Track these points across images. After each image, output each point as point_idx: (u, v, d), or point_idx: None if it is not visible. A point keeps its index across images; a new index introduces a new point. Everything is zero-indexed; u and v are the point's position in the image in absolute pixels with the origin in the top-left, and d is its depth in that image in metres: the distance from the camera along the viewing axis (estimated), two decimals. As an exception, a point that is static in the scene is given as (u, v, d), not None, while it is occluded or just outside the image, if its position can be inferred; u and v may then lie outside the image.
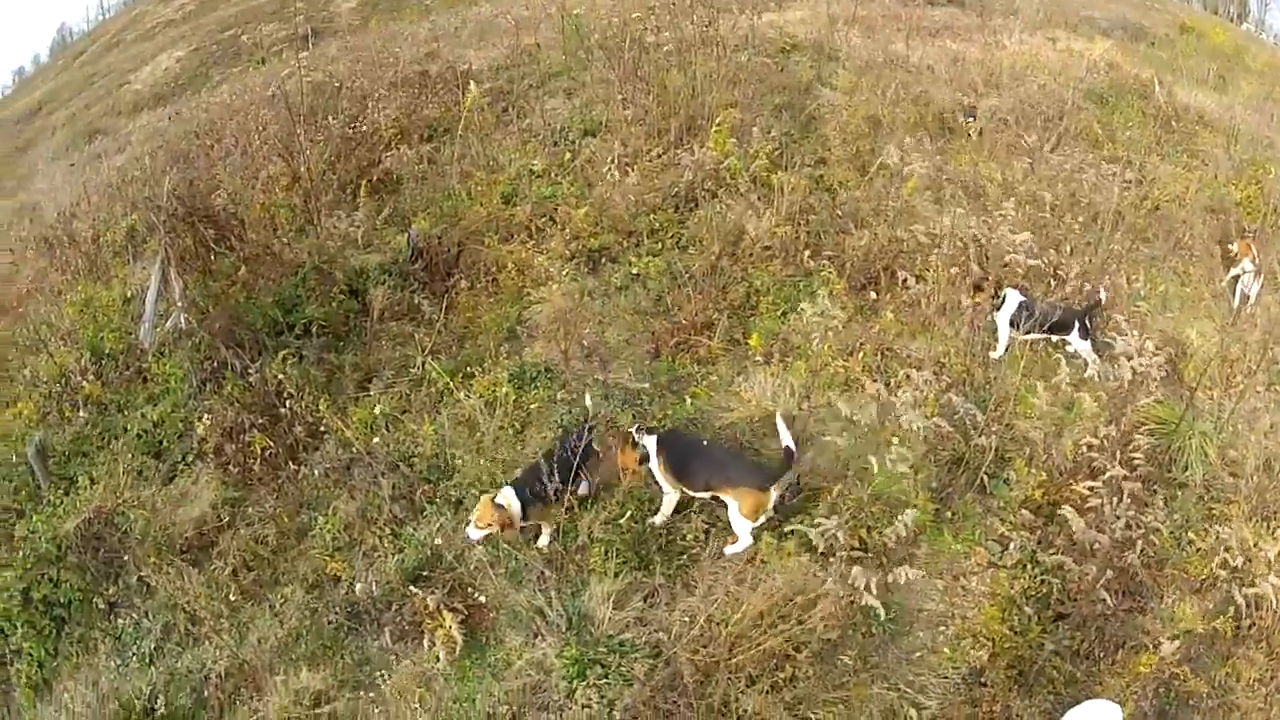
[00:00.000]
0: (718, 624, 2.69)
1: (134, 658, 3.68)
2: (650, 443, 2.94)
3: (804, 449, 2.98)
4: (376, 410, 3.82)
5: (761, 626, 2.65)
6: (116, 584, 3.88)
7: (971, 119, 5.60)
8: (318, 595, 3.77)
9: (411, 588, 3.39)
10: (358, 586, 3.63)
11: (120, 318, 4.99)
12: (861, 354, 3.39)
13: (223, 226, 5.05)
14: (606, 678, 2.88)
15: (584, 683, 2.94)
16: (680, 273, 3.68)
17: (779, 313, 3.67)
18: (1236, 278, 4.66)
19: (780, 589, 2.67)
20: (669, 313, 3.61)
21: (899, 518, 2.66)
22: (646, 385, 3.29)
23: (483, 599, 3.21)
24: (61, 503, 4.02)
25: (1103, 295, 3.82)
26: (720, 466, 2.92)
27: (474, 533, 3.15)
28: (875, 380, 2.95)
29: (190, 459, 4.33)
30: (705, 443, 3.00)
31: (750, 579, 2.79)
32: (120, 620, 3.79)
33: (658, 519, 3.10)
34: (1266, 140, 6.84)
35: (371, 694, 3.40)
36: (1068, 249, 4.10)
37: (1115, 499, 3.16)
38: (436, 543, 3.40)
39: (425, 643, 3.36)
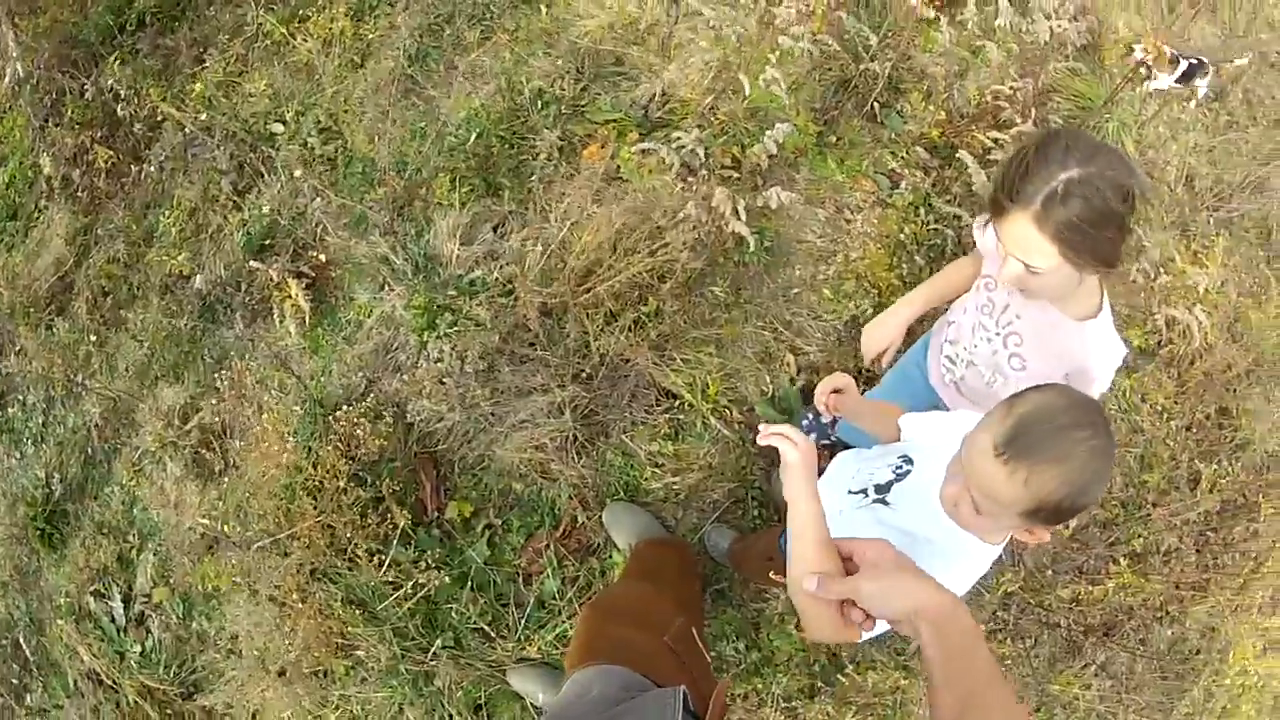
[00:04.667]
0: (571, 252, 2.42)
1: (28, 443, 3.42)
2: None
3: (671, 58, 2.61)
4: (208, 82, 3.36)
5: (619, 252, 2.39)
6: (-1, 370, 3.56)
7: None
8: (172, 299, 3.46)
9: (253, 263, 3.07)
10: (198, 279, 3.32)
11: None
12: (741, -42, 2.97)
13: (48, -47, 4.36)
14: (456, 324, 2.64)
15: (434, 333, 2.69)
16: (541, -120, 3.16)
17: (649, -87, 3.19)
18: None
19: (639, 207, 2.38)
20: (525, -85, 3.13)
21: (768, 133, 2.34)
22: (499, -8, 2.88)
23: (323, 258, 2.90)
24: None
25: None
26: None
27: None
28: (756, -16, 2.56)
29: (43, 204, 3.90)
30: None
31: (608, 198, 2.50)
32: (10, 410, 3.50)
33: None
34: None
35: (233, 392, 3.18)
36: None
37: (1021, 154, 2.89)
38: (263, 210, 3.05)
39: (275, 318, 3.09)
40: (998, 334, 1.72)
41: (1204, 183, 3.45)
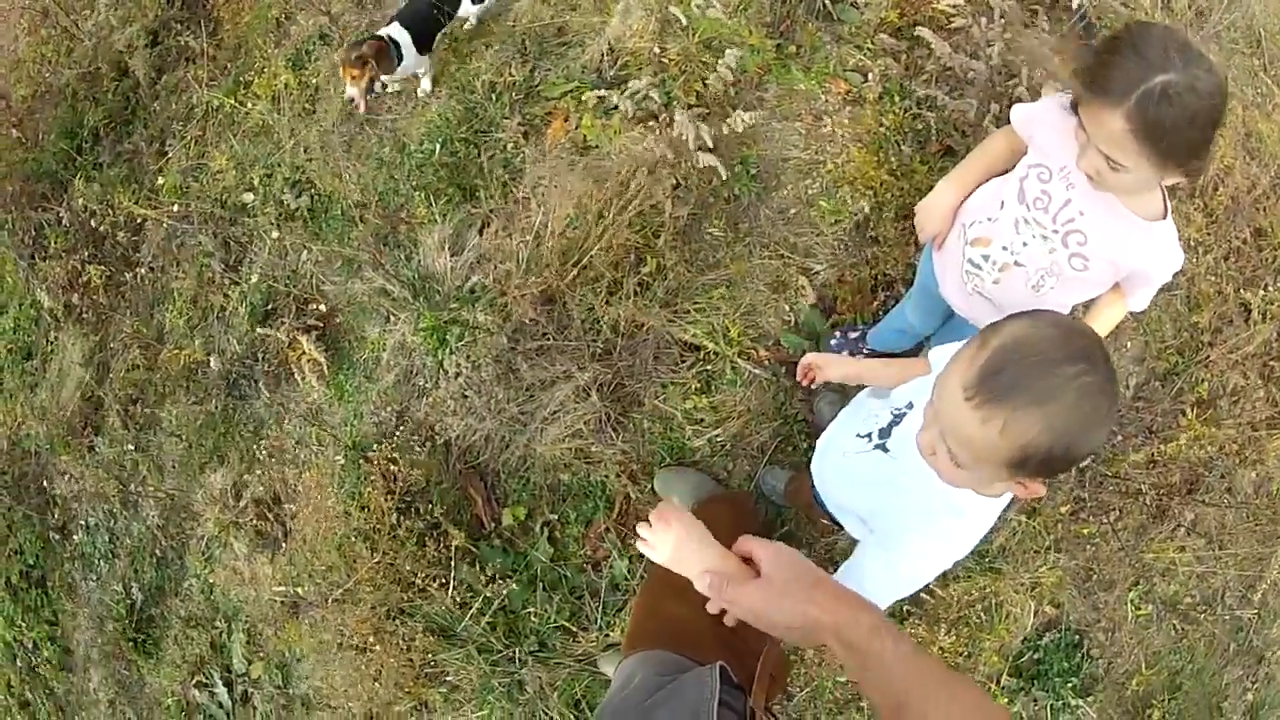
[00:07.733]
0: (555, 234, 2.36)
1: (100, 562, 3.50)
2: None
3: (610, 13, 2.54)
4: (174, 173, 3.40)
5: (594, 219, 2.33)
6: (55, 506, 3.66)
7: None
8: (196, 387, 3.50)
9: (261, 330, 3.09)
10: (214, 361, 3.34)
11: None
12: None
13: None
14: (465, 336, 2.60)
15: (447, 350, 2.66)
16: None
17: None
18: None
19: (607, 168, 2.32)
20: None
21: (720, 61, 2.25)
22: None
23: (325, 307, 2.90)
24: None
25: None
26: None
27: (352, 90, 2.65)
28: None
29: (52, 336, 3.95)
30: None
31: (581, 170, 2.44)
32: (76, 537, 3.59)
33: None
34: None
35: (275, 459, 3.21)
36: None
37: (984, 19, 2.78)
38: (256, 278, 3.07)
39: (297, 377, 3.10)
40: (1055, 231, 1.57)
41: (1180, 3, 3.30)
